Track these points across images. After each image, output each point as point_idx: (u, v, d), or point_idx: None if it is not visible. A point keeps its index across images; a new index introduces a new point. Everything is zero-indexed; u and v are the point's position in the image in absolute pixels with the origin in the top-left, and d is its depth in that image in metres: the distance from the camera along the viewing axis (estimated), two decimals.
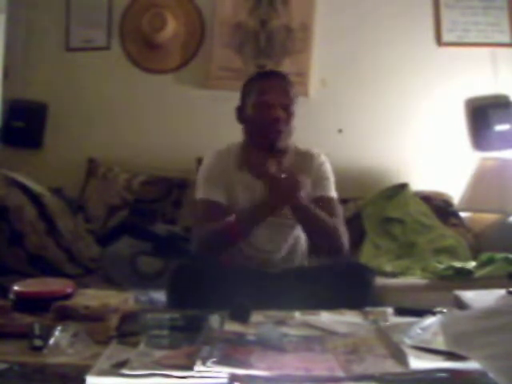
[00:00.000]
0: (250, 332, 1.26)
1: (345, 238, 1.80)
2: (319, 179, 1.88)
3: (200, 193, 1.85)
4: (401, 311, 1.45)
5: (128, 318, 1.33)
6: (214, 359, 1.06)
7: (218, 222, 1.75)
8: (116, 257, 2.25)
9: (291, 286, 1.65)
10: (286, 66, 2.91)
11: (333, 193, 1.89)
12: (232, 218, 1.72)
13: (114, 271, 2.21)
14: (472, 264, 2.27)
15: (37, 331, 1.19)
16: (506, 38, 2.93)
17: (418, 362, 1.06)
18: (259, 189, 1.80)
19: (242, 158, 1.88)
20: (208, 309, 1.37)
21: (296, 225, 1.87)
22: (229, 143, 1.92)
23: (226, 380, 1.01)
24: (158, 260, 2.23)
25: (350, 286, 1.59)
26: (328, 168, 1.92)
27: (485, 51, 2.93)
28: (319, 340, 1.23)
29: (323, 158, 1.93)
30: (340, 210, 1.89)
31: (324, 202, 1.84)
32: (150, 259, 2.25)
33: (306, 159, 1.90)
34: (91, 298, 1.34)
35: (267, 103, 1.81)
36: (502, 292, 1.50)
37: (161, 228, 2.45)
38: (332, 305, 1.48)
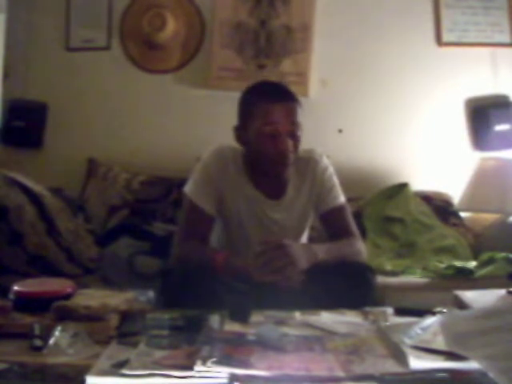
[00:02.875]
0: (250, 332, 1.25)
1: (360, 243, 1.80)
2: (326, 190, 1.82)
3: (191, 191, 1.78)
4: (401, 311, 1.45)
5: (128, 317, 1.32)
6: (214, 359, 1.06)
7: (206, 249, 1.70)
8: (114, 257, 2.25)
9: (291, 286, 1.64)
10: (286, 66, 2.92)
11: (341, 198, 1.84)
12: (222, 255, 1.63)
13: (112, 271, 2.21)
14: (472, 264, 2.27)
15: (37, 331, 1.19)
16: (506, 38, 2.94)
17: (418, 362, 1.06)
18: (260, 200, 1.79)
19: (245, 168, 1.80)
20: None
21: (301, 234, 1.87)
22: (234, 146, 1.83)
23: (226, 380, 1.01)
24: (156, 260, 2.23)
25: (352, 286, 1.57)
26: (331, 173, 1.85)
27: (485, 51, 2.93)
28: (319, 340, 1.23)
29: (325, 161, 1.85)
30: (350, 212, 1.87)
31: (335, 213, 1.82)
32: (148, 259, 2.25)
33: (308, 165, 1.83)
34: (91, 297, 1.34)
35: (274, 133, 1.67)
36: (502, 292, 1.50)
37: (159, 228, 2.45)
38: (333, 304, 1.48)
